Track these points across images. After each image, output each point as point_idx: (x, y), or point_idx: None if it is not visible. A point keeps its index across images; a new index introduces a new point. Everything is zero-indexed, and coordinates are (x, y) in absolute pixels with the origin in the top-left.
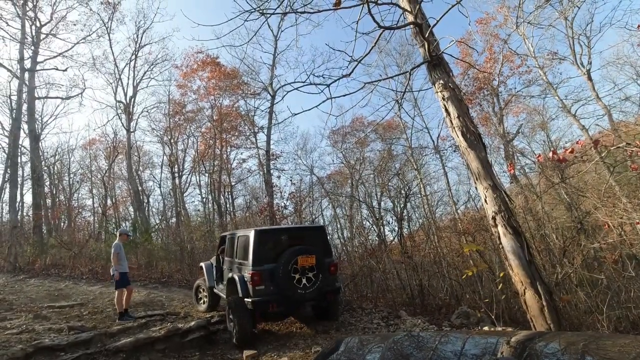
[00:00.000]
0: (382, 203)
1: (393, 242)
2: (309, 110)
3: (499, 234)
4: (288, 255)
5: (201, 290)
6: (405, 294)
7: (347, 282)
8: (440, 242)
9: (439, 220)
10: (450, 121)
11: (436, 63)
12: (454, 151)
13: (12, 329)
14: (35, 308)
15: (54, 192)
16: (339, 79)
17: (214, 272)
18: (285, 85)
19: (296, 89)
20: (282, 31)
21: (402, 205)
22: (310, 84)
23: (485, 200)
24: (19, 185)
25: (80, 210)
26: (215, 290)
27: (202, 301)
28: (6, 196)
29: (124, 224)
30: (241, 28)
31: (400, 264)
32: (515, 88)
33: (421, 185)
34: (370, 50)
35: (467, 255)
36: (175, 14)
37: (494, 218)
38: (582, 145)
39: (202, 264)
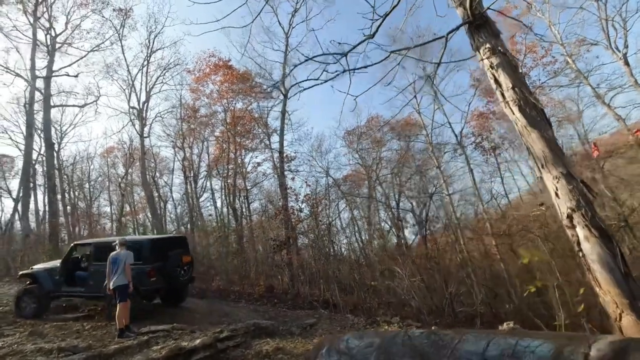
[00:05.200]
0: (401, 204)
1: (414, 244)
2: (324, 83)
3: (577, 237)
4: (176, 255)
5: (29, 297)
6: (433, 303)
7: (367, 288)
8: (468, 245)
9: (465, 221)
10: (502, 94)
11: (480, 23)
12: (475, 148)
13: (3, 348)
14: (37, 322)
15: (74, 200)
16: (359, 44)
17: (59, 277)
18: (297, 81)
19: (310, 58)
20: (293, 27)
21: (426, 205)
22: (324, 54)
23: (557, 194)
24: (35, 194)
25: (99, 217)
26: (63, 292)
27: (27, 308)
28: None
29: (140, 231)
30: (251, 25)
31: (427, 270)
32: (539, 79)
33: (444, 184)
34: (398, 2)
35: (501, 259)
36: (186, 17)
37: (570, 217)
38: None
39: (34, 272)
